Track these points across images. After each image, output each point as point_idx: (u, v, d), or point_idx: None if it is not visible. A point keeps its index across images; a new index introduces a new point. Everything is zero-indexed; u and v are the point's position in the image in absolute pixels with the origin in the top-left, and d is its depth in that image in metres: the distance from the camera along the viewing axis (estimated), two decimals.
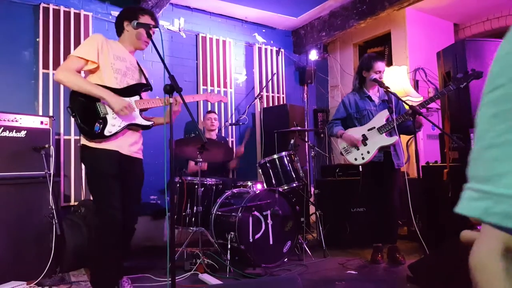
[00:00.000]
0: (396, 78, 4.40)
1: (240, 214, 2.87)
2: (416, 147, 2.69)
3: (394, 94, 2.99)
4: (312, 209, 4.00)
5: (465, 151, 2.91)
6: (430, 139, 4.82)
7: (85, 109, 2.12)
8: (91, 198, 2.25)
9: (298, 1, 4.73)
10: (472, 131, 3.04)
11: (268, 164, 3.42)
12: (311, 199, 3.95)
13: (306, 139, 4.11)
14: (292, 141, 3.65)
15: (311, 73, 5.48)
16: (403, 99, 3.06)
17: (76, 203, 3.63)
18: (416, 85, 4.84)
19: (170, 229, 1.88)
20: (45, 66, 3.73)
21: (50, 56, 3.75)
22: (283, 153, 3.43)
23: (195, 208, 3.16)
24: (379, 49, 5.58)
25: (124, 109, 2.12)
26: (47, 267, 2.63)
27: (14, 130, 2.74)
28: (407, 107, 2.78)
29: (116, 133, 2.16)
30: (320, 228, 3.57)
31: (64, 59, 3.10)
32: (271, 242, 2.99)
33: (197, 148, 3.12)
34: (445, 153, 3.37)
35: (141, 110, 2.33)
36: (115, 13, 3.75)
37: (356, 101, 3.17)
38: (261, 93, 5.02)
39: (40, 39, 3.73)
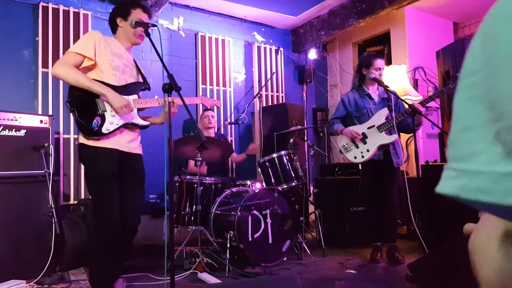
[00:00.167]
0: (396, 77, 4.40)
1: (239, 213, 2.87)
2: (416, 146, 2.69)
3: (394, 93, 2.99)
4: (311, 208, 4.00)
5: None
6: (430, 138, 4.82)
7: (84, 105, 2.10)
8: (90, 197, 2.25)
9: (297, 0, 4.73)
10: None
11: (267, 163, 3.42)
12: (310, 198, 3.95)
13: (306, 138, 4.10)
14: (291, 140, 3.65)
15: (310, 72, 5.48)
16: (403, 98, 3.05)
17: (75, 202, 3.64)
18: (415, 84, 4.83)
19: (169, 228, 1.89)
20: (45, 65, 3.73)
21: (50, 55, 3.74)
22: (282, 152, 3.43)
23: (194, 207, 3.16)
24: (378, 48, 5.57)
25: (123, 108, 2.11)
26: (47, 265, 2.63)
27: (14, 129, 2.74)
28: (406, 106, 2.78)
29: (113, 131, 2.15)
30: (319, 227, 3.57)
31: None
32: (270, 241, 2.99)
33: (196, 147, 3.11)
34: (444, 152, 3.37)
35: (138, 110, 2.33)
36: None
37: (355, 99, 3.17)
38: (260, 92, 5.01)
39: (40, 38, 3.73)
